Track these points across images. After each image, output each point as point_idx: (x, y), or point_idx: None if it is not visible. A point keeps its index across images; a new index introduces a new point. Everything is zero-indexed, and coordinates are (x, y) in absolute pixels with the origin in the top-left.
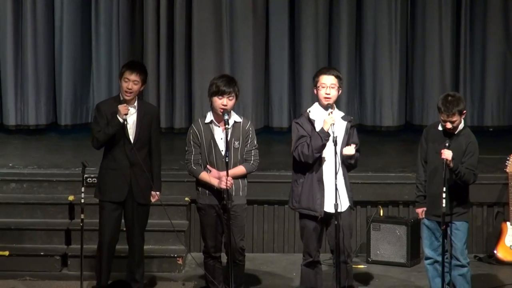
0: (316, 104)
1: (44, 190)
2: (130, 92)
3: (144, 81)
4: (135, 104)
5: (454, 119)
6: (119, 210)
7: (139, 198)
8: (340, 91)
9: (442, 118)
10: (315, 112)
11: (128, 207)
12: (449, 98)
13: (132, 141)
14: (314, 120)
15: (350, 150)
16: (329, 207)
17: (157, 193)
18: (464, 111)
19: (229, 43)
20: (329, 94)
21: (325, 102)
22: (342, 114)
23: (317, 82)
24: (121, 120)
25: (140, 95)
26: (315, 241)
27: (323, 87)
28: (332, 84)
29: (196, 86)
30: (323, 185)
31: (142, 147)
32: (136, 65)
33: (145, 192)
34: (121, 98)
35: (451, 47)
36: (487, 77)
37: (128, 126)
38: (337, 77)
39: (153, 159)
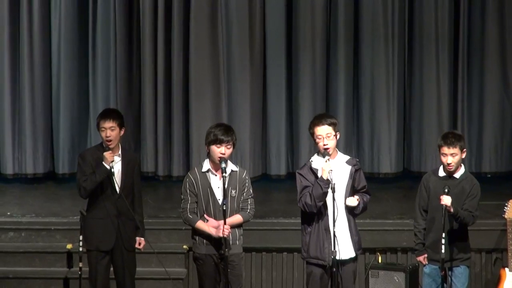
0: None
1: (42, 238)
2: (110, 140)
3: (121, 126)
4: (119, 152)
5: (456, 152)
6: (107, 258)
7: (128, 245)
8: (338, 135)
9: (442, 152)
10: (317, 161)
11: (117, 255)
12: (450, 135)
13: (118, 189)
14: (316, 170)
15: (353, 201)
16: (337, 255)
17: (142, 239)
18: (465, 149)
19: (226, 90)
20: (327, 144)
21: (327, 152)
22: (347, 158)
23: (313, 134)
24: (107, 166)
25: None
26: None
27: (320, 139)
28: (327, 134)
29: (194, 134)
30: (330, 233)
31: (128, 194)
32: (108, 112)
33: (134, 239)
34: (105, 146)
35: (448, 93)
36: (484, 124)
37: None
38: (331, 124)
39: (136, 206)
